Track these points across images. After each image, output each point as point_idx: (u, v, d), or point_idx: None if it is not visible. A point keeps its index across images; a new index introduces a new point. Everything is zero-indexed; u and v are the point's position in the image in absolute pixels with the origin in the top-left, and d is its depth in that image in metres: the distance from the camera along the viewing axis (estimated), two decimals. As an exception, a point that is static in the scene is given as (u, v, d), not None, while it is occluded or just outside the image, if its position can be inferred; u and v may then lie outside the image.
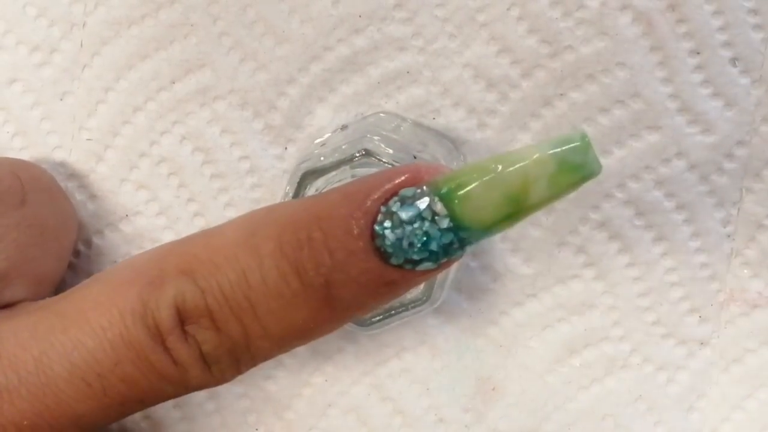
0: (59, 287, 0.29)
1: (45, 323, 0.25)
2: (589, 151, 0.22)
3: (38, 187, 0.29)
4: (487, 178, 0.22)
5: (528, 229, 0.31)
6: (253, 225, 0.24)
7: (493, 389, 0.32)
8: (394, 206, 0.23)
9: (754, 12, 0.29)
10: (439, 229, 0.22)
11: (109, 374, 0.24)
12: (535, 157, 0.22)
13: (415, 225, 0.22)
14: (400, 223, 0.22)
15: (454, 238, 0.23)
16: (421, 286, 0.28)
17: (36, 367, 0.24)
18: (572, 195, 0.30)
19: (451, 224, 0.22)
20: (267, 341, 0.24)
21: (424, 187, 0.23)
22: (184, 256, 0.24)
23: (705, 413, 0.31)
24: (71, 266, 0.32)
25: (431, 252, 0.23)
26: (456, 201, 0.22)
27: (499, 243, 0.31)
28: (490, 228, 0.23)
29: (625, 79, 0.30)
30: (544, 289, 0.31)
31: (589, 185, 0.30)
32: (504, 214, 0.22)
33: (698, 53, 0.29)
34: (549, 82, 0.30)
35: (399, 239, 0.23)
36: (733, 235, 0.31)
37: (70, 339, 0.24)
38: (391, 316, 0.28)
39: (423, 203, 0.22)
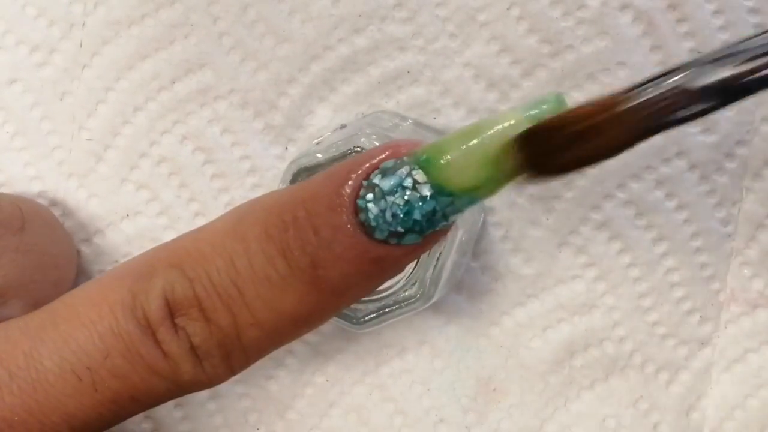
0: None
1: (36, 321, 0.25)
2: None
3: (38, 219, 0.29)
4: (465, 143, 0.22)
5: (529, 230, 0.31)
6: (239, 213, 0.24)
7: (494, 390, 0.31)
8: (375, 178, 0.23)
9: (754, 11, 0.29)
10: (421, 197, 0.22)
11: (99, 367, 0.24)
12: (512, 120, 0.22)
13: (397, 195, 0.22)
14: (382, 195, 0.22)
15: (437, 206, 0.22)
16: (416, 284, 0.28)
17: (26, 362, 0.24)
18: (573, 195, 0.31)
19: (433, 191, 0.22)
20: (257, 330, 0.24)
21: (404, 158, 0.23)
22: (173, 251, 0.24)
23: (706, 413, 0.31)
24: (72, 266, 0.32)
25: (415, 221, 0.22)
26: (436, 167, 0.22)
27: (499, 243, 0.31)
28: (471, 192, 0.22)
29: (626, 78, 0.30)
30: (545, 289, 0.31)
31: (590, 185, 0.31)
32: (484, 177, 0.22)
33: (699, 52, 0.30)
34: (549, 81, 0.30)
35: (382, 211, 0.22)
36: (733, 235, 0.31)
37: (60, 334, 0.24)
38: (385, 314, 0.28)
39: (403, 171, 0.22)
